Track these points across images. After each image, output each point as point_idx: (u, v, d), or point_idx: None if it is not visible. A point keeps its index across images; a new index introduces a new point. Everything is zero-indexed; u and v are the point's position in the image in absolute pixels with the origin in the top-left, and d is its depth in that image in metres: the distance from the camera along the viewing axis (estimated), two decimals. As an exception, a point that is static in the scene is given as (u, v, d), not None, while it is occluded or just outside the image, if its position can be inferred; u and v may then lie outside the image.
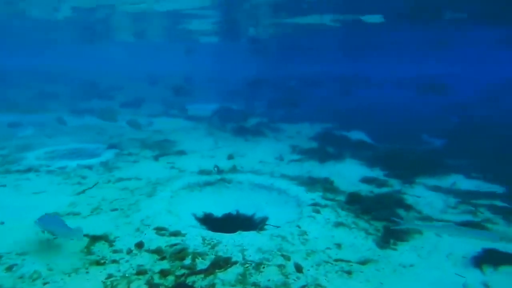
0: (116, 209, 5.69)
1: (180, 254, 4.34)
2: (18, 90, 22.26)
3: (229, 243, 4.68)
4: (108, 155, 9.19)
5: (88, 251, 4.30)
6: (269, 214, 6.24)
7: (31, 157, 8.81)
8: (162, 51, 34.58)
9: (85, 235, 4.48)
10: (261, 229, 5.39)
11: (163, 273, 3.91)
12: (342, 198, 6.31)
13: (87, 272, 3.86)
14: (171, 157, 9.36)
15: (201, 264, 4.17)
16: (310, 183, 7.14)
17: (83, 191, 6.50)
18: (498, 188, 7.12)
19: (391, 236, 4.86)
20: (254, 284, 3.79)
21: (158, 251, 4.37)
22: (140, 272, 3.90)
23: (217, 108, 17.69)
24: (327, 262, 4.25)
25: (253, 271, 4.06)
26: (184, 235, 4.84)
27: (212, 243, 4.67)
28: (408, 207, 6.01)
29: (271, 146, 10.71)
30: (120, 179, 7.34)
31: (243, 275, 3.99)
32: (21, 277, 3.74)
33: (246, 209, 6.55)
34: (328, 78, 23.97)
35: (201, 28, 21.15)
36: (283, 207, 6.38)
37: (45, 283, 3.66)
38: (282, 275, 3.98)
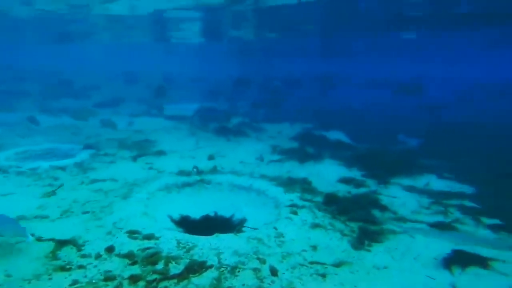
0: (87, 212, 5.47)
1: (152, 258, 4.20)
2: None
3: (205, 246, 4.58)
4: (84, 155, 8.87)
5: (53, 256, 4.09)
6: (247, 216, 6.16)
7: (0, 157, 8.40)
8: (143, 50, 33.99)
9: (51, 239, 4.27)
10: (239, 231, 5.32)
11: (133, 279, 3.76)
12: (319, 199, 6.30)
13: (50, 279, 3.67)
14: (150, 157, 9.15)
15: (175, 268, 4.05)
16: (289, 183, 7.12)
17: (53, 192, 6.22)
18: (468, 188, 7.27)
19: (366, 237, 4.89)
20: (229, 288, 3.72)
21: (129, 256, 4.22)
22: (108, 278, 3.74)
23: (199, 107, 17.49)
24: (302, 265, 4.21)
25: (228, 275, 3.98)
26: (158, 238, 4.70)
27: (187, 246, 4.56)
28: (384, 208, 6.05)
29: (252, 146, 10.65)
30: (94, 181, 7.09)
31: (218, 279, 3.90)
32: (-25, 285, 3.53)
33: (225, 211, 6.46)
34: (308, 78, 24.17)
35: (183, 28, 20.94)
36: (262, 208, 6.33)
37: (2, 291, 3.46)
38: (257, 279, 3.93)
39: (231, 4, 14.62)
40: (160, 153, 9.59)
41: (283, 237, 4.84)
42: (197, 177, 7.45)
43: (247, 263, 4.20)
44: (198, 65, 41.42)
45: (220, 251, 4.47)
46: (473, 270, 4.18)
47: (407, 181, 7.62)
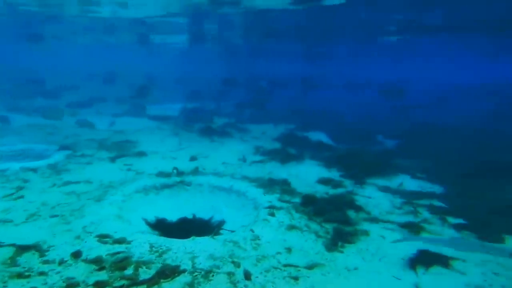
0: (56, 215, 5.22)
1: (122, 263, 4.02)
2: None
3: (180, 250, 4.42)
4: (58, 156, 8.54)
5: (12, 262, 3.85)
6: (226, 218, 6.04)
7: (-33, 158, 8.01)
8: (125, 51, 33.40)
9: (12, 245, 4.03)
10: (216, 233, 5.18)
11: (99, 285, 3.57)
12: (298, 200, 6.23)
13: (4, 287, 3.44)
14: (130, 158, 8.89)
15: (145, 273, 3.88)
16: (269, 185, 7.02)
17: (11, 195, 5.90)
18: (437, 188, 7.40)
19: (339, 239, 4.84)
20: (201, 293, 3.58)
21: (97, 261, 4.02)
22: (71, 285, 3.53)
23: (184, 108, 17.24)
24: (276, 268, 4.11)
25: (201, 279, 3.84)
26: (130, 242, 4.52)
27: (161, 250, 4.39)
28: (359, 208, 6.05)
29: (236, 147, 10.53)
30: (67, 183, 6.81)
31: (191, 284, 3.76)
32: None
33: (204, 213, 6.31)
34: (291, 79, 24.27)
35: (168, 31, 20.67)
36: (241, 210, 6.21)
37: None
38: (231, 283, 3.80)
39: (217, 7, 14.46)
40: (141, 154, 9.34)
41: (259, 239, 4.73)
42: (177, 179, 7.27)
43: (221, 267, 4.08)
44: (182, 66, 41.03)
45: (195, 254, 4.32)
46: (435, 269, 4.26)
47: (382, 182, 7.69)
